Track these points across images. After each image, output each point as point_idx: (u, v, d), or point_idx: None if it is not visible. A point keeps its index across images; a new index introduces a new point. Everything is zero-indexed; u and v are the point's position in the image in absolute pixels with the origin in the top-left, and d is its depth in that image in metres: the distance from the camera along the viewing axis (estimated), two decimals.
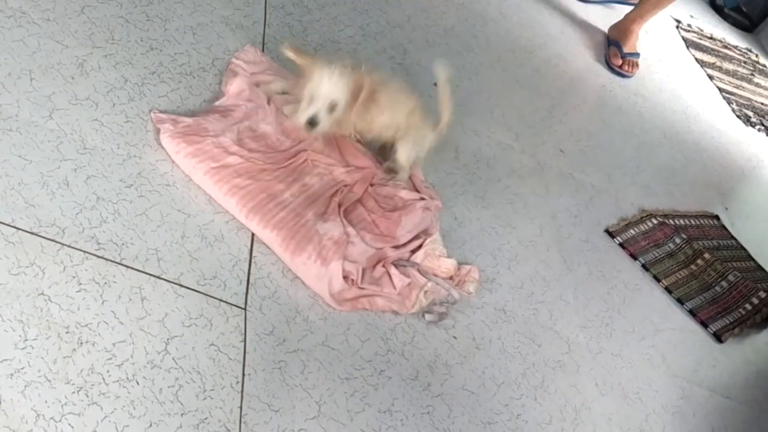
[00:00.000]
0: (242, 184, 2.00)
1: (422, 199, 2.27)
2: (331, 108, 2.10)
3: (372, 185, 2.25)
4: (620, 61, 3.71)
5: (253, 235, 1.97)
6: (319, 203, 2.10)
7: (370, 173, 2.27)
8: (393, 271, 2.06)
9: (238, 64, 2.33)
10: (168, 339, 1.68)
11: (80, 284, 1.67)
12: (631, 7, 3.86)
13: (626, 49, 3.74)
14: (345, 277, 1.96)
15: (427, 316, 2.06)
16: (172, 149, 2.00)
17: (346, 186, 2.19)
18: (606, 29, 3.87)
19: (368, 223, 2.16)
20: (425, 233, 2.23)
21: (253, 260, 1.92)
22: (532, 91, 3.19)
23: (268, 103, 2.25)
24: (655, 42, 4.19)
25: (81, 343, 1.58)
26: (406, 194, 2.26)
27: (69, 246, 1.71)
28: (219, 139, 2.05)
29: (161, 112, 2.08)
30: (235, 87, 2.24)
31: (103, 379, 1.56)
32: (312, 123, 2.10)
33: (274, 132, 2.20)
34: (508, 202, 2.58)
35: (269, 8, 2.64)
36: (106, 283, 1.70)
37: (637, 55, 3.79)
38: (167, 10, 2.40)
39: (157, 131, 2.02)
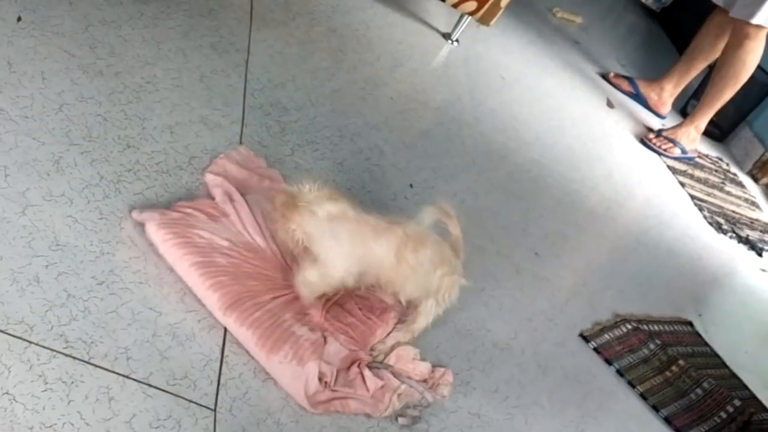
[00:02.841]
0: (227, 283, 1.98)
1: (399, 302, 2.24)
2: None
3: None
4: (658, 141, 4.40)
5: (225, 334, 1.94)
6: (297, 305, 2.09)
7: None
8: (366, 373, 2.04)
9: (225, 159, 2.36)
10: None
11: (46, 383, 1.63)
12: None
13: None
14: (319, 379, 1.93)
15: (401, 420, 2.03)
16: (160, 238, 1.99)
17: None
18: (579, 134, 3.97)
19: (343, 325, 2.14)
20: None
21: (224, 360, 1.89)
22: (506, 193, 3.21)
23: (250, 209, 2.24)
24: (628, 149, 4.25)
25: None
26: (382, 293, 2.24)
27: (37, 344, 1.68)
28: (208, 240, 2.05)
29: (140, 210, 2.07)
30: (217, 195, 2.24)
31: None
32: None
33: (267, 246, 2.18)
34: (483, 304, 2.56)
35: (247, 108, 2.66)
36: (73, 382, 1.66)
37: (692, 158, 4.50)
38: (146, 109, 2.41)
39: (140, 225, 2.01)
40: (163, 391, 1.75)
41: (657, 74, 4.81)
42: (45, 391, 1.62)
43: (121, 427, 1.64)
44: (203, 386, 1.81)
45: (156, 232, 2.00)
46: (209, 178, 2.29)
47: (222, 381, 1.85)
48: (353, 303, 2.21)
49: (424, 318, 2.18)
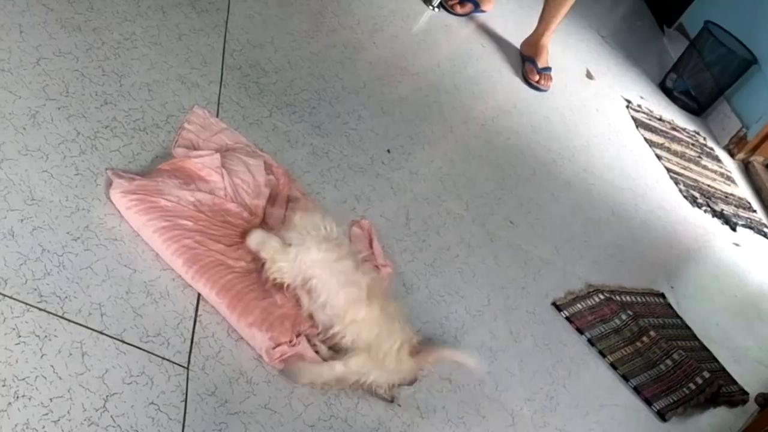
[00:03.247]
0: (192, 245, 1.97)
1: None
2: None
3: None
4: (537, 77, 3.98)
5: (199, 293, 1.94)
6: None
7: None
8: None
9: (190, 130, 2.31)
10: (107, 396, 1.64)
11: (20, 336, 1.63)
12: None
13: (540, 65, 4.01)
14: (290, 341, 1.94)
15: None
16: (123, 205, 1.97)
17: None
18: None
19: None
20: None
21: (198, 319, 1.90)
22: (483, 162, 3.21)
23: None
24: (606, 121, 4.26)
25: (17, 397, 1.54)
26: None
27: (10, 297, 1.68)
28: (174, 204, 2.02)
29: (118, 170, 2.05)
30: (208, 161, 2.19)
31: None
32: None
33: (239, 210, 2.15)
34: (457, 270, 2.58)
35: (226, 69, 2.65)
36: (46, 336, 1.66)
37: (550, 69, 4.04)
38: (124, 65, 2.39)
39: (109, 184, 2.00)
40: (137, 347, 1.76)
41: (637, 47, 4.81)
42: (18, 344, 1.61)
43: (94, 382, 1.64)
44: (176, 344, 1.82)
45: (120, 200, 1.98)
46: (179, 152, 2.22)
47: (195, 339, 1.85)
48: None
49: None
